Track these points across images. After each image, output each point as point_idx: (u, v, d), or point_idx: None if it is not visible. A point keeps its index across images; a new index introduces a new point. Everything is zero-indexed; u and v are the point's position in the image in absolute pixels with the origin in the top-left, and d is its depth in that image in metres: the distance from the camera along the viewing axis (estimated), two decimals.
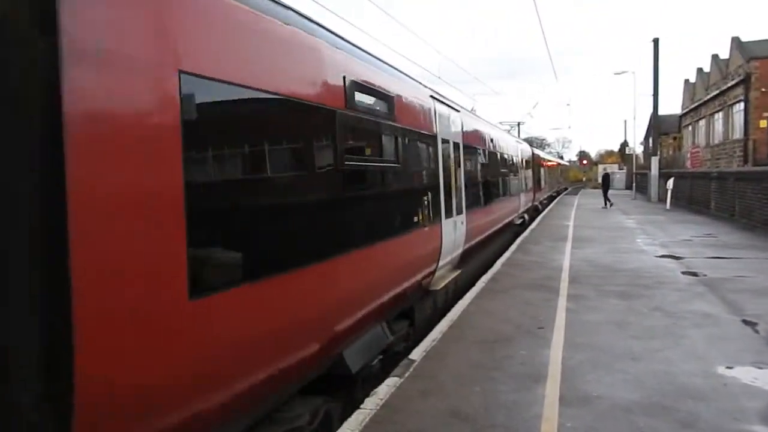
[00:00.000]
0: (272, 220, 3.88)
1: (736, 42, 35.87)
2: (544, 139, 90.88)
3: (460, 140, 9.85)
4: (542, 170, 31.23)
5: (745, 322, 7.41)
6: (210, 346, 3.16)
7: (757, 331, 7.01)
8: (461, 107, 10.99)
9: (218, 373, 3.27)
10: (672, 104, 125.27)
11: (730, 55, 36.79)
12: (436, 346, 6.64)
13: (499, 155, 14.91)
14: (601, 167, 76.00)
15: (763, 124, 30.79)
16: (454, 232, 8.79)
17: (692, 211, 26.03)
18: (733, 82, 34.30)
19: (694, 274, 10.74)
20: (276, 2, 4.12)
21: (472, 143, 11.30)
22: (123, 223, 2.61)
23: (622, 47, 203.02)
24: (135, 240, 2.67)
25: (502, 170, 15.41)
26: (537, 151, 30.55)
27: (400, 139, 6.49)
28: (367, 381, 5.62)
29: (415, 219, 6.91)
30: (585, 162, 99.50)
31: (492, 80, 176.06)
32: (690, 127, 47.21)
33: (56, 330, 2.34)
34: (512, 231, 17.86)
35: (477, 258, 11.78)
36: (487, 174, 12.84)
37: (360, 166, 5.36)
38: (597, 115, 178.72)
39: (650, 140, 43.44)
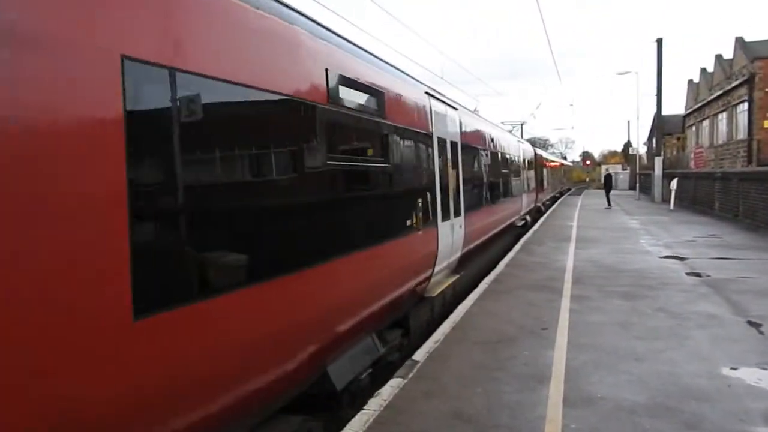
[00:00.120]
0: (239, 225, 3.53)
1: (739, 42, 35.87)
2: (547, 140, 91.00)
3: (458, 140, 9.56)
4: (545, 171, 31.13)
5: (750, 323, 7.38)
6: (157, 370, 2.83)
7: (761, 332, 6.98)
8: (460, 105, 10.69)
9: (168, 401, 2.94)
10: (675, 104, 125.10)
11: (734, 55, 36.79)
12: (439, 348, 6.63)
13: (500, 155, 14.62)
14: (604, 168, 76.01)
15: (767, 124, 30.75)
16: (451, 235, 8.57)
17: (696, 211, 25.96)
18: (737, 83, 34.28)
19: (698, 275, 10.70)
20: None
21: (472, 143, 10.91)
22: (43, 228, 2.30)
23: (625, 48, 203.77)
24: (64, 248, 2.38)
25: (503, 171, 15.11)
26: (540, 152, 30.45)
27: (390, 138, 6.17)
28: (356, 395, 5.35)
29: (408, 222, 6.65)
30: (588, 162, 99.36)
31: (494, 81, 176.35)
32: (694, 128, 47.15)
33: None
34: (513, 234, 17.71)
35: (477, 261, 11.58)
36: (487, 175, 12.53)
37: (344, 167, 4.98)
38: (600, 115, 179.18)
39: (654, 140, 43.39)
